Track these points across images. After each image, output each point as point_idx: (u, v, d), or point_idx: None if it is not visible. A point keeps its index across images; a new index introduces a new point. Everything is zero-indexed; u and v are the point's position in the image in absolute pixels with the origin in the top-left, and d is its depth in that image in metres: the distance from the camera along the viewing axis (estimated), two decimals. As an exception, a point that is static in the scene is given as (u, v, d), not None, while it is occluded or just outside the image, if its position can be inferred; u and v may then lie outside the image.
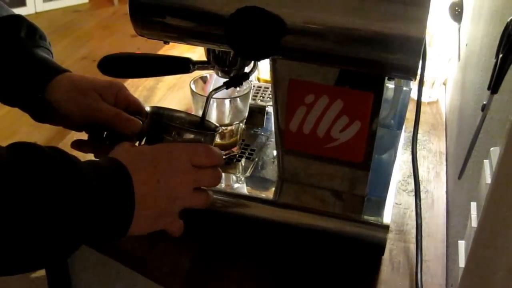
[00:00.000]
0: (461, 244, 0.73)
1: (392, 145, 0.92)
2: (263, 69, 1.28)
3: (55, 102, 0.81)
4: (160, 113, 0.82)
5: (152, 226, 0.68)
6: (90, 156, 0.84)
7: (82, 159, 0.63)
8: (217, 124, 0.84)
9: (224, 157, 0.98)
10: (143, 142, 0.79)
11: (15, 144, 0.58)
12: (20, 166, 0.55)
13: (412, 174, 1.01)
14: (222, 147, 0.97)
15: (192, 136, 0.76)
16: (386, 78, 0.80)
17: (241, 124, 0.99)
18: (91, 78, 0.84)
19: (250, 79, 0.90)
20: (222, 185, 0.93)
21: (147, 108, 0.82)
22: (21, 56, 0.83)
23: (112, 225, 0.62)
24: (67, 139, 1.08)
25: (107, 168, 0.63)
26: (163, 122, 0.78)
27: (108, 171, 0.63)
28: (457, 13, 1.24)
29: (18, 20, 0.85)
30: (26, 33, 0.85)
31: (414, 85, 0.93)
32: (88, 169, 0.60)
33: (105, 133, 0.83)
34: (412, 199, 0.98)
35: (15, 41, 0.83)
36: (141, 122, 0.81)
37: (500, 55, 0.61)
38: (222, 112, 0.96)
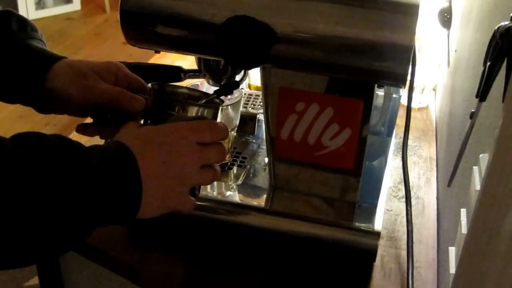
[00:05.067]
0: (452, 250, 0.74)
1: (382, 152, 0.92)
2: (254, 76, 1.28)
3: (56, 89, 0.80)
4: (163, 89, 0.81)
5: (163, 207, 0.68)
6: (96, 139, 0.84)
7: (89, 143, 0.62)
8: (221, 98, 0.83)
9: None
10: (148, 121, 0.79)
11: (19, 135, 0.58)
12: (26, 156, 0.55)
13: (403, 180, 1.01)
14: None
15: (196, 109, 0.76)
16: (376, 85, 0.81)
17: (232, 132, 0.99)
18: (89, 61, 0.84)
19: (241, 86, 0.90)
20: (214, 193, 0.93)
21: (149, 85, 0.81)
22: (16, 49, 0.82)
23: (121, 209, 0.62)
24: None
25: (112, 152, 0.63)
26: (166, 98, 0.77)
27: (114, 155, 0.63)
28: (446, 19, 1.25)
29: (7, 15, 0.85)
30: (18, 26, 0.84)
31: (404, 91, 0.93)
32: (93, 154, 0.60)
33: (109, 114, 0.82)
34: (403, 205, 0.99)
35: (8, 35, 0.83)
36: (144, 100, 0.80)
37: (488, 63, 0.61)
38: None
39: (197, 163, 0.69)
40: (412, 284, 0.83)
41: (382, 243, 0.92)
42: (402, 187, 1.02)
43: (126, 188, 0.62)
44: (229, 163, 0.99)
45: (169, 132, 0.69)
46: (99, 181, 0.59)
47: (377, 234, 0.86)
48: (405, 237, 0.92)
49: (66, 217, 0.57)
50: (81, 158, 0.59)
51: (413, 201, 1.00)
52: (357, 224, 0.87)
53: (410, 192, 0.98)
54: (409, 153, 1.14)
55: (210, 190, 0.94)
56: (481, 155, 0.67)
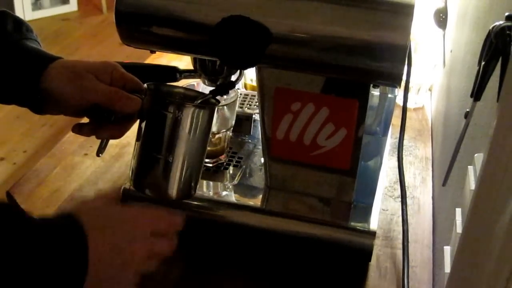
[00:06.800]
0: (447, 250, 0.74)
1: (378, 152, 0.92)
2: (249, 76, 1.28)
3: (52, 89, 0.80)
4: (159, 89, 0.81)
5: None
6: (92, 139, 0.83)
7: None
8: (217, 98, 0.83)
9: (211, 165, 0.98)
10: (143, 125, 0.79)
11: None
12: None
13: (399, 180, 1.01)
14: (209, 154, 0.97)
15: (192, 109, 0.75)
16: (371, 85, 0.81)
17: (228, 132, 0.99)
18: (84, 61, 0.83)
19: (236, 86, 0.90)
20: (210, 193, 0.94)
21: (145, 85, 0.81)
22: (11, 49, 0.82)
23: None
24: (55, 149, 1.08)
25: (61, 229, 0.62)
26: (162, 98, 0.77)
27: (62, 233, 0.61)
28: (441, 19, 1.25)
29: (3, 15, 0.84)
30: (13, 26, 0.84)
31: (399, 91, 0.93)
32: (40, 227, 0.60)
33: (105, 114, 0.82)
34: (398, 205, 0.99)
35: (3, 35, 0.82)
36: (140, 100, 0.80)
37: (483, 63, 0.61)
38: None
39: (145, 253, 0.68)
40: (408, 283, 0.83)
41: (377, 243, 0.92)
42: (398, 186, 1.02)
43: (71, 268, 0.60)
44: (225, 163, 1.00)
45: (126, 220, 0.68)
46: (41, 254, 0.58)
47: (372, 234, 0.86)
48: (400, 236, 0.92)
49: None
50: (26, 231, 0.58)
51: (408, 201, 1.01)
52: (353, 223, 0.88)
53: (406, 192, 0.99)
54: (404, 153, 1.14)
55: (206, 190, 0.94)
56: (476, 155, 0.67)
